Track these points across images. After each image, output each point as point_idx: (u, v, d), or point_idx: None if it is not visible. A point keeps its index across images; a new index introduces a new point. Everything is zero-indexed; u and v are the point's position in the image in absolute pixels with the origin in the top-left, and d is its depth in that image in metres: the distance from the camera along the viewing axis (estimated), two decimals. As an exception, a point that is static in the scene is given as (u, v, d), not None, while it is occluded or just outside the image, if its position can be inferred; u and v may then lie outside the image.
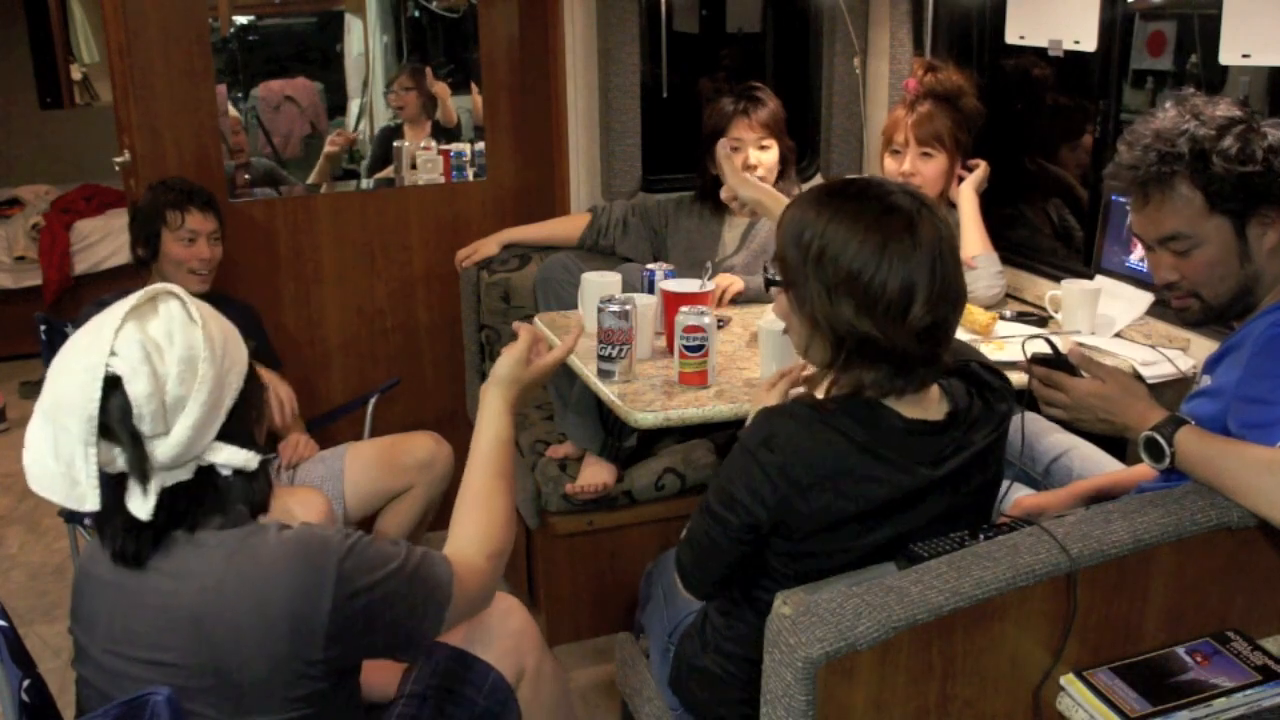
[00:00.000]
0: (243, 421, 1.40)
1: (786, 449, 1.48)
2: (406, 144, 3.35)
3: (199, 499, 1.37)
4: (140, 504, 1.32)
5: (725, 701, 1.71)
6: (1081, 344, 2.24)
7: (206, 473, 1.38)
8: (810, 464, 1.47)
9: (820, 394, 1.61)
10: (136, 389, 1.28)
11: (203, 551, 1.37)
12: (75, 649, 1.46)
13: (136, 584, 1.37)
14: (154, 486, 1.32)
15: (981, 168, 2.79)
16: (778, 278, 1.60)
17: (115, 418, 1.28)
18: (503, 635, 1.73)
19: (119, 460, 1.30)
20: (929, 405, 1.55)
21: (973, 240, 2.71)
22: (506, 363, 1.72)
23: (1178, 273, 1.67)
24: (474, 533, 1.60)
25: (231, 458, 1.37)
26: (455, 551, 1.57)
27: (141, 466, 1.30)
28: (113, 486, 1.32)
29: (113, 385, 1.28)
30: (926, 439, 1.52)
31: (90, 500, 1.29)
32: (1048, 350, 1.74)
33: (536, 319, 2.67)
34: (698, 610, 1.82)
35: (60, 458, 1.29)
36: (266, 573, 1.35)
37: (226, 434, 1.37)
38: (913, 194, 1.50)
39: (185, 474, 1.35)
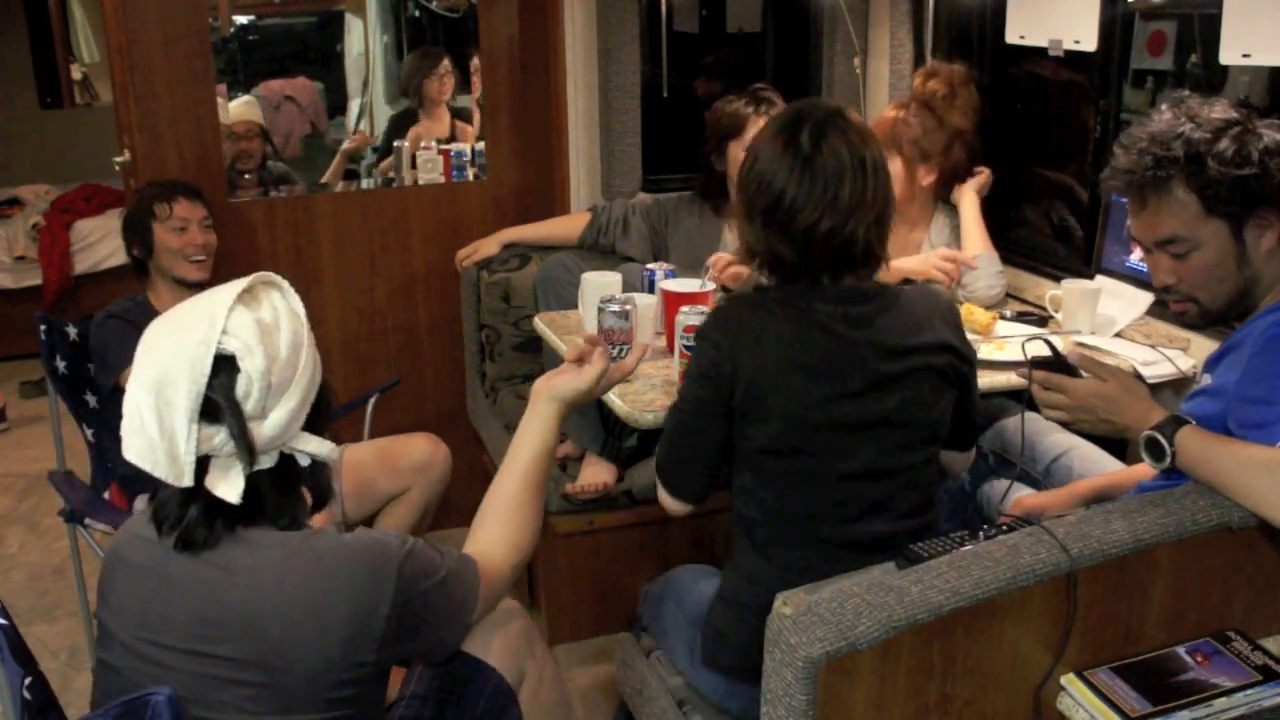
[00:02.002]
0: (320, 414, 1.44)
1: (730, 320, 1.73)
2: (406, 143, 3.36)
3: (282, 486, 1.40)
4: (229, 487, 1.33)
5: (757, 639, 1.70)
6: (1081, 344, 2.24)
7: (288, 460, 1.40)
8: (750, 325, 1.71)
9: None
10: (252, 365, 1.31)
11: (256, 549, 1.38)
12: (100, 633, 1.46)
13: (180, 573, 1.38)
14: (247, 467, 1.34)
15: (984, 174, 2.79)
16: None
17: (220, 393, 1.31)
18: (504, 637, 1.74)
19: (215, 439, 1.32)
20: (857, 282, 1.74)
21: (974, 240, 2.71)
22: (574, 387, 1.72)
23: (1175, 275, 1.67)
24: (504, 538, 1.62)
25: (318, 448, 1.41)
26: (482, 554, 1.58)
27: (247, 440, 1.32)
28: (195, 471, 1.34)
29: (221, 364, 1.31)
30: (852, 303, 1.71)
31: (187, 476, 1.31)
32: (1047, 353, 1.74)
33: (537, 319, 2.67)
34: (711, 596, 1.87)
35: (164, 432, 1.30)
36: (327, 574, 1.37)
37: (309, 424, 1.41)
38: (824, 114, 1.73)
39: (269, 461, 1.38)
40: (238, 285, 1.38)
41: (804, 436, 1.71)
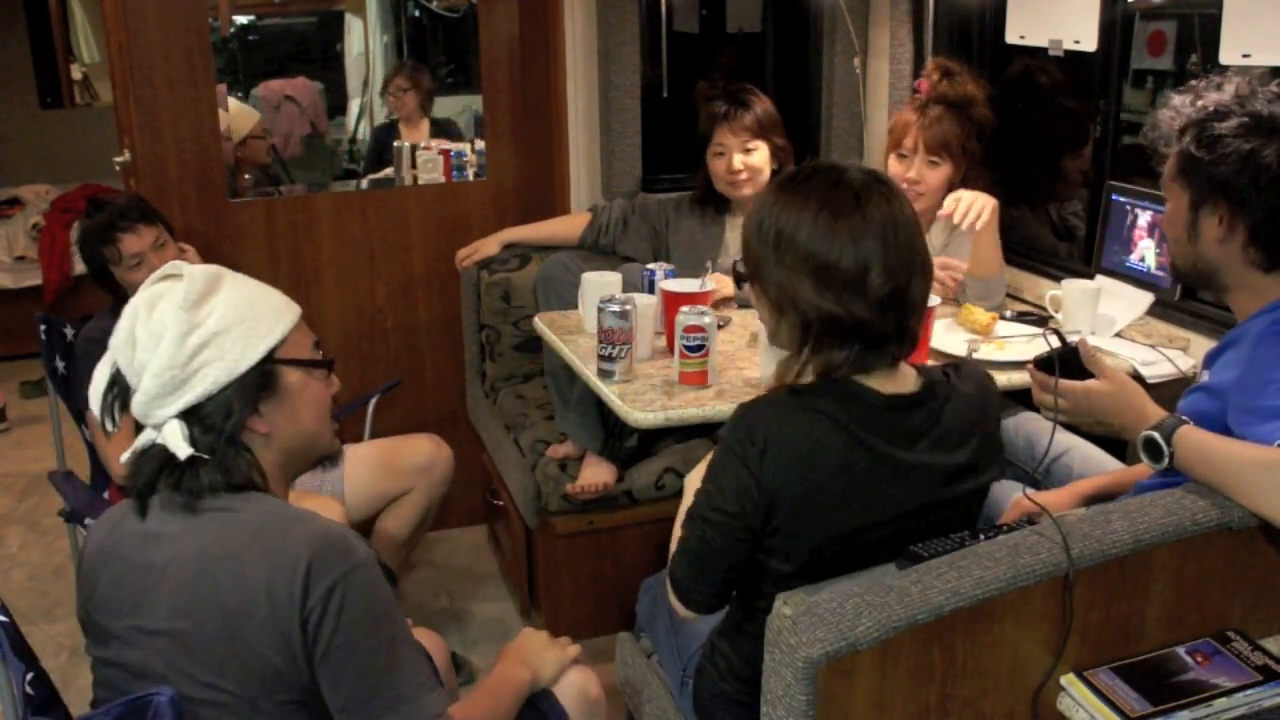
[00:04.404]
0: (212, 416, 1.44)
1: (768, 437, 1.50)
2: (406, 143, 3.36)
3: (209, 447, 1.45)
4: (175, 441, 1.42)
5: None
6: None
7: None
8: (792, 449, 1.49)
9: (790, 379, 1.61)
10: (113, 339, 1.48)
11: (212, 520, 1.42)
12: (95, 634, 1.48)
13: (158, 558, 1.42)
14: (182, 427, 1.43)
15: (990, 209, 2.55)
16: (743, 270, 1.67)
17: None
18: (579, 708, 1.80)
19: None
20: (902, 381, 1.57)
21: (987, 259, 2.60)
22: (554, 669, 1.82)
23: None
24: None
25: (172, 437, 1.42)
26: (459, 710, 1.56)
27: (124, 398, 1.46)
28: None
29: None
30: (903, 413, 1.55)
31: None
32: (1052, 349, 1.72)
33: (537, 319, 2.67)
34: (704, 641, 1.80)
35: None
36: (282, 547, 1.39)
37: (188, 416, 1.43)
38: (865, 171, 1.56)
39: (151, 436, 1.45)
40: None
41: (836, 551, 1.55)
